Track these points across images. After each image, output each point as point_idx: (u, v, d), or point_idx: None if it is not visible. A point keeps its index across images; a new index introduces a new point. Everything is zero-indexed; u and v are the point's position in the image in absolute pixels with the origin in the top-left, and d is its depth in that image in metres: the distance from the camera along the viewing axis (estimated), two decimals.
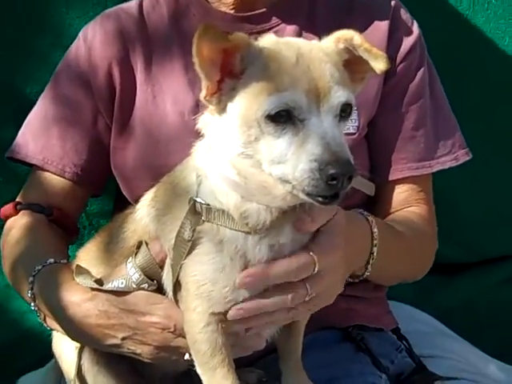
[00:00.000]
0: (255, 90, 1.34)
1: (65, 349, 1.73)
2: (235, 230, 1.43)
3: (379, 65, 1.41)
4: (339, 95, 1.33)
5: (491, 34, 2.39)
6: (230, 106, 1.38)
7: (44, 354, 2.09)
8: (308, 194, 1.31)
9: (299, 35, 1.87)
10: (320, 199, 1.31)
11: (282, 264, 1.44)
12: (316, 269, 1.45)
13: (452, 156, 1.94)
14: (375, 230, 1.67)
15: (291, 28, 1.89)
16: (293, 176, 1.31)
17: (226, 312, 1.45)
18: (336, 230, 1.50)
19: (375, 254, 1.67)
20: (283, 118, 1.31)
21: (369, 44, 1.41)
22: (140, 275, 1.54)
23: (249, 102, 1.35)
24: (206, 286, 1.44)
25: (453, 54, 2.34)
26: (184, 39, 1.89)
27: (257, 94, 1.34)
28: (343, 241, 1.51)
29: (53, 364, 1.96)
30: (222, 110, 1.40)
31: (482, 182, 2.47)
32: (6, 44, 2.29)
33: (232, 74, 1.38)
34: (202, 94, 1.39)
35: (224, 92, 1.38)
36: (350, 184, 1.30)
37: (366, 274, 1.71)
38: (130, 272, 1.54)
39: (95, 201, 2.33)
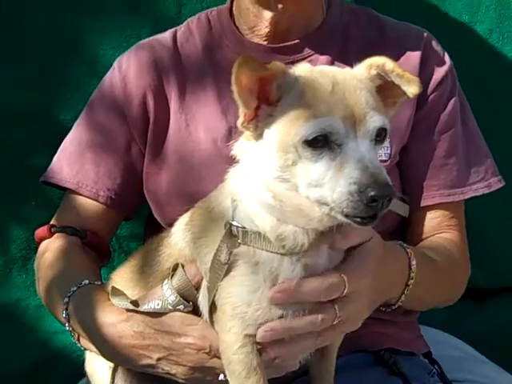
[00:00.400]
0: (292, 116, 1.38)
1: (98, 368, 1.75)
2: (271, 251, 1.45)
3: (411, 88, 1.43)
4: (374, 120, 1.36)
5: None
6: (267, 132, 1.42)
7: (74, 374, 2.11)
8: (347, 216, 1.34)
9: (331, 65, 1.89)
10: (358, 220, 1.34)
11: (313, 282, 1.45)
12: (345, 291, 1.46)
13: (485, 183, 1.96)
14: (413, 262, 1.68)
15: (324, 58, 1.92)
16: (331, 198, 1.33)
17: None
18: (370, 254, 1.51)
19: (411, 286, 1.68)
20: (320, 143, 1.34)
21: (401, 69, 1.44)
22: (176, 297, 1.55)
23: (286, 128, 1.38)
24: (240, 308, 1.45)
25: (482, 85, 2.36)
26: (217, 69, 1.93)
27: (294, 120, 1.37)
28: (376, 266, 1.52)
29: (84, 383, 1.97)
30: (258, 136, 1.43)
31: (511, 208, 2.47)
32: (41, 71, 2.34)
33: (269, 101, 1.41)
34: (240, 121, 1.43)
35: (261, 119, 1.42)
36: (389, 205, 1.32)
37: (399, 303, 1.72)
38: (166, 294, 1.56)
39: (125, 224, 2.36)
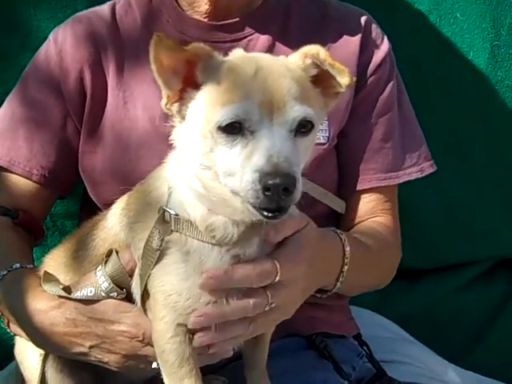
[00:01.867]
0: (211, 100, 1.36)
1: (28, 355, 1.72)
2: (202, 241, 1.44)
3: (343, 79, 1.42)
4: (295, 110, 1.33)
5: (456, 48, 2.43)
6: (188, 115, 1.40)
7: (3, 356, 2.09)
8: (254, 207, 1.32)
9: (272, 45, 1.89)
10: (264, 213, 1.32)
11: (245, 268, 1.44)
12: (277, 277, 1.46)
13: (418, 167, 1.98)
14: (347, 248, 1.69)
15: (264, 37, 1.90)
16: (240, 187, 1.32)
17: None
18: (303, 242, 1.51)
19: (345, 272, 1.70)
20: (236, 130, 1.33)
21: (332, 59, 1.41)
22: (109, 284, 1.54)
23: (205, 113, 1.37)
24: (172, 297, 1.45)
25: (418, 67, 2.38)
26: None
27: (212, 104, 1.36)
28: (310, 254, 1.53)
29: (13, 368, 1.93)
30: (182, 119, 1.42)
31: (442, 192, 2.52)
32: None
33: (195, 84, 1.40)
34: (163, 102, 1.42)
35: (184, 102, 1.40)
36: (290, 197, 1.29)
37: (334, 290, 1.74)
38: (99, 280, 1.54)
39: (60, 202, 2.32)
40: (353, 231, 1.91)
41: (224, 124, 1.32)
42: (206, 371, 1.57)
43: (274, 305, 1.48)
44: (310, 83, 1.42)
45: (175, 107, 1.42)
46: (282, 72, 1.36)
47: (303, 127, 1.36)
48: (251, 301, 1.46)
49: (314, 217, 1.59)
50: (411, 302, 2.59)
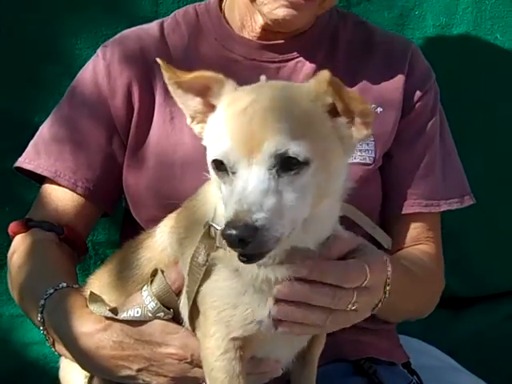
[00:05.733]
0: (211, 130, 1.38)
1: (73, 377, 1.70)
2: None
3: (357, 107, 1.31)
4: (272, 146, 1.25)
5: (497, 69, 2.42)
6: (204, 137, 1.42)
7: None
8: None
9: (318, 69, 1.86)
10: (241, 257, 1.28)
11: (338, 265, 1.43)
12: (366, 282, 1.44)
13: (458, 199, 1.98)
14: (389, 268, 1.64)
15: (311, 60, 1.90)
16: None
17: (246, 337, 1.43)
18: (376, 253, 1.52)
19: (388, 291, 1.64)
20: (223, 167, 1.30)
21: (340, 85, 1.31)
22: (156, 304, 1.51)
23: (208, 142, 1.38)
24: (226, 312, 1.42)
25: (458, 88, 2.38)
26: (204, 62, 1.87)
27: (210, 135, 1.37)
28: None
29: None
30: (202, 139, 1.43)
31: (490, 217, 2.49)
32: (15, 73, 2.30)
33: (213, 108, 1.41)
34: (188, 121, 1.44)
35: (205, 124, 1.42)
36: (250, 247, 1.23)
37: (376, 310, 1.68)
38: (145, 301, 1.52)
39: (102, 230, 2.33)
40: (395, 255, 1.88)
41: (211, 160, 1.32)
42: None
43: (355, 306, 1.46)
44: (324, 113, 1.33)
45: (197, 128, 1.43)
46: (275, 106, 1.29)
47: (292, 164, 1.26)
48: (337, 295, 1.42)
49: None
50: (457, 331, 2.55)
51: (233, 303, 1.41)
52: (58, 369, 1.79)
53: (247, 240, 1.22)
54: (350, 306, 1.44)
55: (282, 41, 1.90)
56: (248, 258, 1.27)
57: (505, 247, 2.52)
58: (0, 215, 2.31)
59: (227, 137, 1.29)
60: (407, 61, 1.93)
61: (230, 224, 1.22)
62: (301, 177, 1.27)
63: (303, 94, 1.33)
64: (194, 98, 1.41)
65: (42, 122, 2.19)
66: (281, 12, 1.77)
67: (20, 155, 2.00)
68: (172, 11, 2.06)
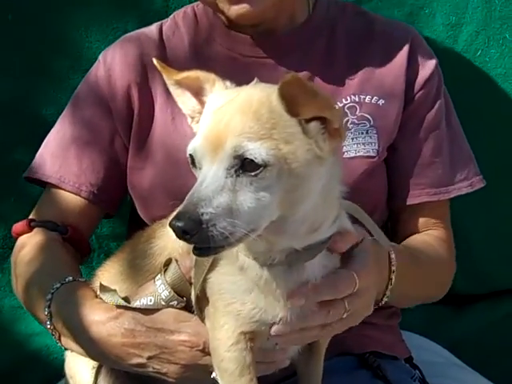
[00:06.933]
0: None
1: (80, 369, 1.70)
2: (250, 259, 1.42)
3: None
4: (232, 146, 1.26)
5: (505, 70, 2.41)
6: None
7: (50, 376, 2.08)
8: None
9: (316, 61, 1.90)
10: (193, 250, 1.29)
11: (328, 281, 1.44)
12: (356, 288, 1.45)
13: (468, 182, 1.97)
14: (393, 256, 1.67)
15: (310, 55, 1.91)
16: None
17: (254, 331, 1.44)
18: (368, 251, 1.52)
19: (393, 279, 1.67)
20: (195, 162, 1.34)
21: (304, 84, 1.28)
22: (170, 292, 1.53)
23: None
24: (235, 305, 1.43)
25: (466, 88, 2.37)
26: (206, 62, 1.89)
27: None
28: (374, 261, 1.53)
29: None
30: None
31: (493, 214, 2.48)
32: (24, 65, 2.30)
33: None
34: (188, 120, 1.48)
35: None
36: (196, 239, 1.25)
37: (385, 299, 1.71)
38: (159, 289, 1.53)
39: (106, 223, 2.33)
40: (404, 243, 1.90)
41: (187, 156, 1.35)
42: None
43: (349, 312, 1.47)
44: (291, 117, 1.30)
45: (196, 127, 1.45)
46: (244, 107, 1.29)
47: (252, 166, 1.26)
48: (330, 310, 1.45)
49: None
50: (460, 327, 2.54)
51: (241, 299, 1.42)
52: (60, 360, 1.80)
53: (191, 233, 1.24)
54: (343, 314, 1.47)
55: (278, 37, 1.90)
56: (198, 250, 1.28)
57: (508, 245, 2.52)
58: (6, 206, 2.33)
59: (200, 134, 1.33)
60: (408, 47, 1.92)
61: (177, 215, 1.24)
62: (261, 179, 1.26)
63: (274, 96, 1.30)
64: (191, 97, 1.45)
65: (50, 114, 2.24)
66: (234, 11, 1.78)
67: (27, 147, 2.03)
68: (182, 5, 2.08)
